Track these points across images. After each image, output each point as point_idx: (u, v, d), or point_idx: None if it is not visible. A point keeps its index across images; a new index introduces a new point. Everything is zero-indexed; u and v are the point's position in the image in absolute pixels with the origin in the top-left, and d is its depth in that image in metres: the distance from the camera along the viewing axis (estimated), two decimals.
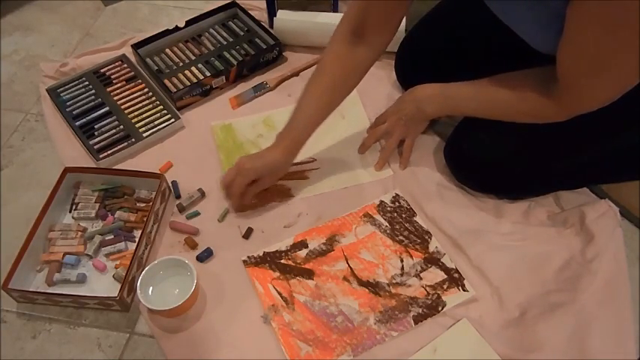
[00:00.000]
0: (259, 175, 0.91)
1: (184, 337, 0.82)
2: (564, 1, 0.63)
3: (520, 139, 0.88)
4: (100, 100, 1.15)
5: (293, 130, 0.90)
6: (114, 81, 1.19)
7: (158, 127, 1.09)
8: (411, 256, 0.90)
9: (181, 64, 1.22)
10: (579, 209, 0.93)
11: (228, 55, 1.23)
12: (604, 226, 0.90)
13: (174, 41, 1.27)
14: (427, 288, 0.86)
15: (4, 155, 1.10)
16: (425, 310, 0.83)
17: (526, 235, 0.91)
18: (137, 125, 1.10)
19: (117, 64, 1.23)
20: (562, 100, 0.75)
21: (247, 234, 0.94)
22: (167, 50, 1.25)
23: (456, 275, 0.87)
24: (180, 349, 0.81)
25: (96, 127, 1.10)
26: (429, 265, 0.88)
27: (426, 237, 0.92)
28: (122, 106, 1.14)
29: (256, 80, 1.21)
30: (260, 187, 0.94)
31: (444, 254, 0.90)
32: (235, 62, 1.20)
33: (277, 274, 0.88)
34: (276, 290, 0.86)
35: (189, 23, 1.28)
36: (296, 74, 1.22)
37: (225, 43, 1.26)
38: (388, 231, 0.93)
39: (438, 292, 0.85)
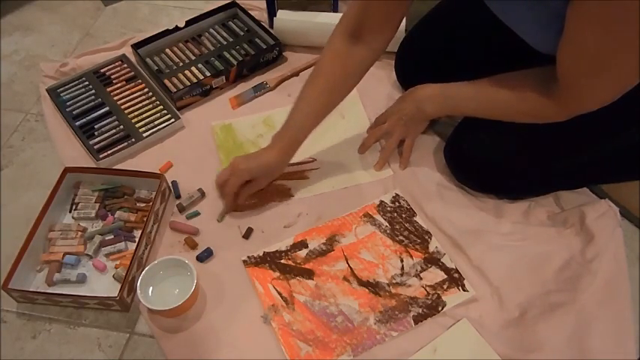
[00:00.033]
0: (253, 176, 0.91)
1: (184, 337, 0.82)
2: (564, 1, 0.63)
3: (520, 139, 0.88)
4: (100, 100, 1.15)
5: (289, 132, 0.90)
6: (114, 81, 1.19)
7: (158, 127, 1.09)
8: (411, 256, 0.90)
9: (181, 64, 1.22)
10: (579, 209, 0.93)
11: (228, 55, 1.23)
12: (604, 226, 0.90)
13: (174, 41, 1.27)
14: (427, 288, 0.86)
15: (4, 155, 1.10)
16: (425, 310, 0.83)
17: (526, 235, 0.91)
18: (137, 125, 1.10)
19: (117, 64, 1.23)
20: (562, 100, 0.75)
21: (247, 234, 0.94)
22: (167, 50, 1.25)
23: (456, 275, 0.87)
24: (180, 349, 0.81)
25: (96, 127, 1.10)
26: (429, 265, 0.88)
27: (426, 237, 0.92)
28: (122, 106, 1.14)
29: (256, 80, 1.21)
30: (255, 187, 0.94)
31: (444, 254, 0.90)
32: (235, 62, 1.20)
33: (277, 274, 0.88)
34: (276, 290, 0.86)
35: (189, 23, 1.28)
36: (296, 74, 1.22)
37: (225, 43, 1.26)
38: (388, 231, 0.93)
39: (438, 292, 0.85)
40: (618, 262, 0.86)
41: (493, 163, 0.90)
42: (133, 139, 1.07)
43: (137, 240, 0.90)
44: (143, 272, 0.84)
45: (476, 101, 0.87)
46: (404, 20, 1.11)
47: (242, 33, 1.28)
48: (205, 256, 0.90)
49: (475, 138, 0.92)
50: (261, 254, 0.91)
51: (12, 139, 1.13)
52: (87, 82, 1.18)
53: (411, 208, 0.96)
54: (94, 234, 0.93)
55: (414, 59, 1.10)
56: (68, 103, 1.14)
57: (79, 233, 0.94)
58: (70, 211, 0.98)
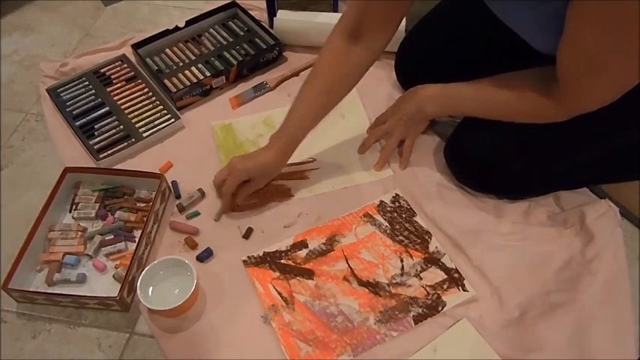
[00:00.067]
0: (251, 176, 0.91)
1: (184, 337, 0.82)
2: (564, 1, 0.63)
3: (520, 139, 0.88)
4: (100, 100, 1.15)
5: (287, 132, 0.90)
6: (114, 81, 1.19)
7: (158, 127, 1.09)
8: (411, 256, 0.90)
9: (181, 64, 1.22)
10: (579, 209, 0.93)
11: (228, 55, 1.23)
12: (604, 226, 0.90)
13: (174, 41, 1.27)
14: (427, 288, 0.86)
15: (4, 155, 1.10)
16: (425, 310, 0.83)
17: (526, 235, 0.91)
18: (137, 125, 1.10)
19: (117, 64, 1.23)
20: (562, 100, 0.75)
21: (247, 234, 0.94)
22: (167, 50, 1.25)
23: (456, 275, 0.87)
24: (180, 349, 0.81)
25: (96, 127, 1.10)
26: (429, 265, 0.88)
27: (426, 237, 0.92)
28: (122, 106, 1.14)
29: (256, 80, 1.21)
30: (253, 187, 0.94)
31: (444, 254, 0.90)
32: (235, 62, 1.20)
33: (277, 274, 0.88)
34: (276, 290, 0.86)
35: (189, 23, 1.28)
36: (296, 74, 1.22)
37: (225, 43, 1.26)
38: (388, 231, 0.93)
39: (438, 292, 0.85)
40: (618, 262, 0.86)
41: (493, 163, 0.90)
42: (133, 139, 1.07)
43: (137, 240, 0.90)
44: (143, 272, 0.84)
45: (476, 101, 0.87)
46: (404, 20, 1.11)
47: (242, 33, 1.28)
48: (205, 256, 0.90)
49: (475, 138, 0.92)
50: (261, 254, 0.91)
51: (12, 139, 1.13)
52: (87, 82, 1.18)
53: (411, 208, 0.96)
54: (94, 234, 0.93)
55: (414, 59, 1.10)
56: (68, 103, 1.14)
57: (79, 233, 0.94)
58: (70, 211, 0.98)
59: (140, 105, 1.14)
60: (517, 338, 0.80)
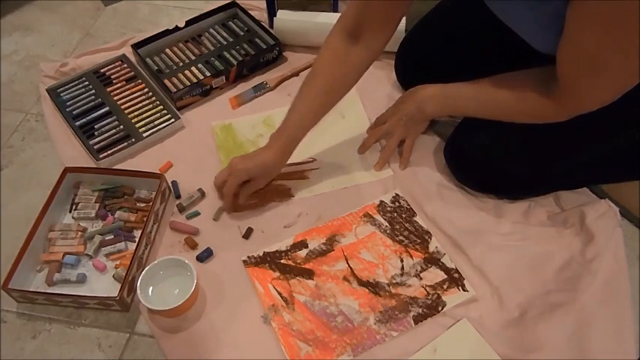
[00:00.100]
0: (251, 176, 0.91)
1: (184, 337, 0.82)
2: (564, 1, 0.63)
3: (520, 139, 0.88)
4: (100, 100, 1.15)
5: (286, 131, 0.90)
6: (114, 81, 1.19)
7: (158, 127, 1.09)
8: (411, 256, 0.90)
9: (181, 64, 1.22)
10: (579, 209, 0.93)
11: (228, 55, 1.23)
12: (604, 226, 0.90)
13: (174, 41, 1.27)
14: (427, 288, 0.86)
15: (4, 155, 1.10)
16: (425, 310, 0.83)
17: (526, 235, 0.91)
18: (137, 125, 1.10)
19: (117, 64, 1.23)
20: (562, 101, 0.75)
21: (247, 234, 0.94)
22: (167, 50, 1.25)
23: (456, 275, 0.87)
24: (180, 349, 0.81)
25: (96, 127, 1.10)
26: (429, 265, 0.88)
27: (426, 237, 0.92)
28: (122, 106, 1.14)
29: (256, 80, 1.21)
30: (254, 187, 0.94)
31: (444, 254, 0.90)
32: (235, 62, 1.20)
33: (277, 274, 0.88)
34: (276, 290, 0.86)
35: (189, 23, 1.28)
36: (296, 74, 1.22)
37: (225, 43, 1.26)
38: (388, 231, 0.93)
39: (438, 292, 0.85)
40: (618, 262, 0.86)
41: (493, 163, 0.90)
42: (133, 139, 1.07)
43: (137, 240, 0.90)
44: (143, 272, 0.84)
45: (476, 101, 0.87)
46: (404, 20, 1.11)
47: (242, 33, 1.28)
48: (205, 256, 0.90)
49: (475, 138, 0.92)
50: (261, 254, 0.91)
51: (12, 139, 1.13)
52: (87, 82, 1.18)
53: (411, 208, 0.96)
54: (94, 234, 0.93)
55: (414, 59, 1.10)
56: (68, 103, 1.14)
57: (79, 233, 0.94)
58: (70, 211, 0.98)
59: (140, 105, 1.14)
60: (517, 338, 0.80)
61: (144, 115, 1.12)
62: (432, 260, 0.89)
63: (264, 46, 1.23)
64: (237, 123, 1.12)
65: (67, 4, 1.46)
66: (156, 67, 1.21)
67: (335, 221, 0.95)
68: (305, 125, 0.91)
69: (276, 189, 0.99)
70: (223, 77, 1.17)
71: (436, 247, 0.91)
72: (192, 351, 0.81)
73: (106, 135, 1.08)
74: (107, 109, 1.13)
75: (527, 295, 0.84)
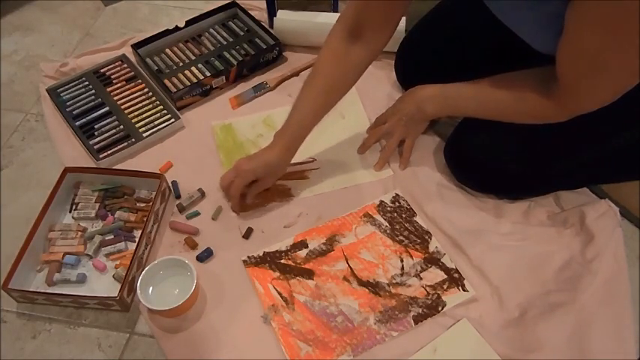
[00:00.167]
0: (258, 176, 0.91)
1: (184, 337, 0.82)
2: (564, 1, 0.63)
3: (520, 140, 0.88)
4: (100, 100, 1.15)
5: (289, 130, 0.90)
6: (114, 81, 1.19)
7: (158, 127, 1.09)
8: (411, 256, 0.90)
9: (181, 64, 1.22)
10: (579, 209, 0.93)
11: (228, 55, 1.23)
12: (604, 226, 0.90)
13: (174, 41, 1.27)
14: (427, 288, 0.86)
15: (4, 155, 1.10)
16: (425, 310, 0.83)
17: (526, 235, 0.91)
18: (137, 125, 1.10)
19: (117, 64, 1.23)
20: (562, 101, 0.75)
21: (247, 234, 0.94)
22: (167, 50, 1.25)
23: (456, 275, 0.87)
24: (180, 349, 0.81)
25: (96, 127, 1.10)
26: (429, 265, 0.88)
27: (426, 237, 0.92)
28: (122, 106, 1.14)
29: (256, 80, 1.21)
30: (260, 187, 0.94)
31: (444, 254, 0.90)
32: (235, 62, 1.20)
33: (277, 274, 0.88)
34: (276, 290, 0.86)
35: (189, 23, 1.28)
36: (296, 74, 1.22)
37: (225, 43, 1.26)
38: (388, 231, 0.93)
39: (438, 292, 0.85)
40: (618, 262, 0.86)
41: (493, 163, 0.90)
42: (133, 139, 1.07)
43: (137, 240, 0.90)
44: (143, 272, 0.84)
45: (476, 101, 0.87)
46: (404, 20, 1.11)
47: (242, 33, 1.28)
48: (205, 256, 0.90)
49: (475, 138, 0.92)
50: (261, 254, 0.91)
51: (12, 139, 1.13)
52: (87, 82, 1.18)
53: (411, 208, 0.96)
54: (94, 234, 0.93)
55: (414, 59, 1.10)
56: (68, 103, 1.14)
57: (79, 233, 0.94)
58: (70, 211, 0.98)
59: (140, 105, 1.14)
60: (517, 338, 0.80)
61: (144, 115, 1.12)
62: (432, 260, 0.89)
63: (264, 46, 1.23)
64: (237, 123, 1.12)
65: (67, 4, 1.46)
66: (156, 67, 1.21)
67: (335, 221, 0.95)
68: (307, 124, 0.91)
69: (277, 189, 0.99)
70: (223, 77, 1.17)
71: (436, 247, 0.91)
72: (192, 351, 0.81)
73: (106, 135, 1.08)
74: (107, 109, 1.13)
75: (527, 295, 0.84)
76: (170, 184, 1.00)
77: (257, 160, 0.91)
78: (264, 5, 1.29)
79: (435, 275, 0.87)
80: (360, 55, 0.90)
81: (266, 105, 1.16)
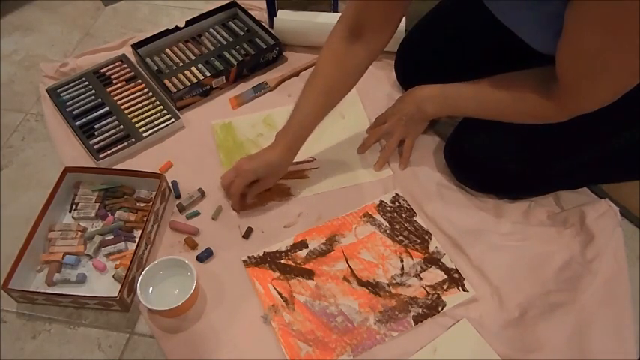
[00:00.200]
0: (259, 176, 0.91)
1: (184, 337, 0.82)
2: (564, 1, 0.63)
3: (520, 140, 0.88)
4: (100, 100, 1.15)
5: (291, 130, 0.90)
6: (114, 81, 1.19)
7: (158, 127, 1.09)
8: (411, 256, 0.90)
9: (181, 64, 1.22)
10: (579, 209, 0.93)
11: (228, 55, 1.23)
12: (604, 226, 0.90)
13: (174, 41, 1.27)
14: (427, 288, 0.86)
15: (4, 155, 1.10)
16: (425, 310, 0.83)
17: (526, 235, 0.91)
18: (137, 125, 1.10)
19: (117, 64, 1.23)
20: (562, 101, 0.75)
21: (247, 234, 0.94)
22: (167, 50, 1.25)
23: (456, 275, 0.87)
24: (180, 349, 0.81)
25: (96, 127, 1.10)
26: (429, 265, 0.88)
27: (426, 237, 0.92)
28: (122, 106, 1.14)
29: (256, 80, 1.21)
30: (261, 187, 0.94)
31: (444, 254, 0.90)
32: (235, 62, 1.20)
33: (277, 274, 0.88)
34: (276, 290, 0.86)
35: (189, 23, 1.28)
36: (296, 74, 1.22)
37: (225, 43, 1.26)
38: (388, 231, 0.93)
39: (438, 292, 0.85)
40: (618, 262, 0.86)
41: (493, 163, 0.90)
42: (133, 139, 1.07)
43: (137, 240, 0.90)
44: (143, 272, 0.84)
45: (476, 101, 0.87)
46: (404, 20, 1.11)
47: (242, 33, 1.28)
48: (205, 256, 0.90)
49: (475, 138, 0.92)
50: (261, 254, 0.91)
51: (12, 139, 1.13)
52: (87, 82, 1.18)
53: (411, 208, 0.96)
54: (94, 234, 0.93)
55: (414, 59, 1.10)
56: (68, 103, 1.14)
57: (79, 233, 0.94)
58: (70, 211, 0.98)
59: (140, 105, 1.14)
60: (517, 338, 0.80)
61: (144, 115, 1.12)
62: (432, 260, 0.89)
63: (264, 46, 1.23)
64: (237, 122, 1.12)
65: (67, 4, 1.46)
66: (156, 67, 1.21)
67: (335, 221, 0.95)
68: (308, 124, 0.91)
69: (276, 188, 0.99)
70: (223, 77, 1.17)
71: (436, 247, 0.91)
72: (192, 351, 0.81)
73: (106, 135, 1.08)
74: (107, 109, 1.13)
75: (527, 295, 0.84)
76: (170, 184, 1.00)
77: (258, 161, 0.91)
78: (264, 5, 1.29)
79: (435, 275, 0.87)
80: (361, 55, 0.90)
81: (266, 105, 1.16)
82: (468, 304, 0.84)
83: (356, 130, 1.08)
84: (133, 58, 1.25)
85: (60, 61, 1.26)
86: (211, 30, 1.30)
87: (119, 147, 1.06)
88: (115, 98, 1.15)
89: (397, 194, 0.98)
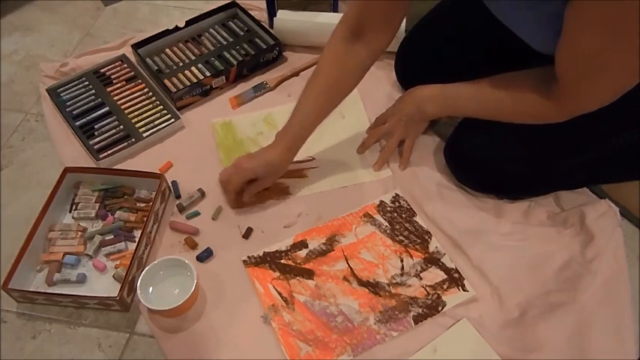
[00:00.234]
0: (257, 175, 0.91)
1: (184, 337, 0.82)
2: (564, 1, 0.63)
3: (520, 139, 0.88)
4: (100, 100, 1.15)
5: (291, 130, 0.91)
6: (114, 81, 1.19)
7: (158, 127, 1.09)
8: (411, 256, 0.90)
9: (181, 64, 1.22)
10: (579, 209, 0.93)
11: (228, 55, 1.23)
12: (604, 226, 0.90)
13: (174, 41, 1.27)
14: (427, 288, 0.86)
15: (4, 155, 1.10)
16: (425, 310, 0.83)
17: (526, 235, 0.91)
18: (137, 125, 1.10)
19: (117, 64, 1.23)
20: (562, 101, 0.75)
21: (247, 234, 0.94)
22: (167, 50, 1.25)
23: (456, 275, 0.87)
24: (180, 349, 0.81)
25: (96, 127, 1.10)
26: (429, 265, 0.88)
27: (426, 237, 0.92)
28: (122, 106, 1.14)
29: (256, 80, 1.21)
30: (260, 186, 0.94)
31: (444, 254, 0.90)
32: (235, 62, 1.20)
33: (277, 274, 0.88)
34: (276, 290, 0.86)
35: (189, 23, 1.28)
36: (296, 74, 1.22)
37: (225, 43, 1.26)
38: (388, 231, 0.93)
39: (438, 292, 0.85)
40: (618, 262, 0.86)
41: (493, 163, 0.90)
42: (133, 139, 1.07)
43: (137, 240, 0.90)
44: (143, 272, 0.84)
45: (476, 101, 0.87)
46: (404, 20, 1.11)
47: (242, 33, 1.28)
48: (205, 256, 0.90)
49: (475, 138, 0.92)
50: (261, 254, 0.91)
51: (12, 139, 1.13)
52: (87, 82, 1.18)
53: (411, 208, 0.96)
54: (94, 234, 0.93)
55: (414, 59, 1.10)
56: (68, 103, 1.14)
57: (79, 233, 0.94)
58: (70, 211, 0.98)
59: (140, 105, 1.14)
60: (517, 338, 0.80)
61: (144, 115, 1.12)
62: (432, 260, 0.89)
63: (264, 46, 1.23)
64: (237, 120, 1.12)
65: (67, 4, 1.46)
66: (156, 67, 1.21)
67: (335, 221, 0.95)
68: (308, 124, 0.91)
69: (275, 187, 0.99)
70: (223, 77, 1.17)
71: (436, 247, 0.91)
72: (192, 351, 0.81)
73: (106, 135, 1.08)
74: (107, 109, 1.13)
75: (527, 295, 0.84)
76: (170, 184, 1.00)
77: (258, 159, 0.91)
78: (264, 5, 1.29)
79: (435, 275, 0.87)
80: (362, 56, 0.90)
81: (266, 105, 1.16)
82: (468, 304, 0.84)
83: (356, 130, 1.08)
84: (133, 58, 1.25)
85: (60, 61, 1.26)
86: (211, 30, 1.30)
87: (119, 147, 1.06)
88: (115, 98, 1.15)
89: (397, 194, 0.98)
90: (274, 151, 0.91)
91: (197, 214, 0.97)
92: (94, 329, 0.85)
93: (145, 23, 1.39)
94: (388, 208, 0.96)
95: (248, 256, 0.91)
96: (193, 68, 1.21)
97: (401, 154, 1.02)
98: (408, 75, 1.11)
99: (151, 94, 1.16)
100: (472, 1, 0.91)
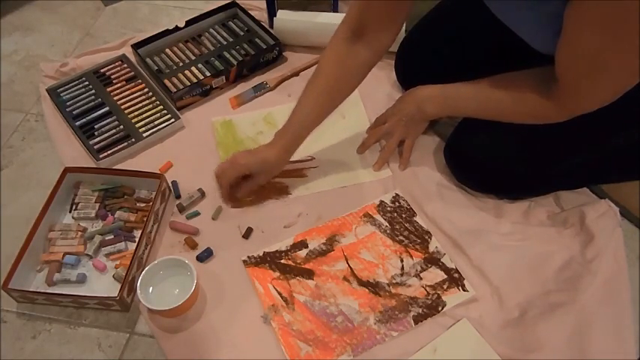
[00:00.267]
0: (252, 171, 0.92)
1: (184, 337, 0.82)
2: (564, 1, 0.63)
3: (520, 140, 0.88)
4: (100, 100, 1.15)
5: (290, 130, 0.91)
6: (114, 81, 1.19)
7: (158, 127, 1.09)
8: (411, 256, 0.90)
9: (181, 64, 1.22)
10: (579, 209, 0.93)
11: (228, 55, 1.23)
12: (604, 226, 0.90)
13: (174, 41, 1.27)
14: (427, 288, 0.86)
15: (4, 155, 1.10)
16: (425, 310, 0.83)
17: (526, 235, 0.91)
18: (137, 125, 1.10)
19: (117, 64, 1.23)
20: (562, 101, 0.75)
21: (247, 234, 0.94)
22: (167, 50, 1.25)
23: (456, 275, 0.87)
24: (180, 349, 0.81)
25: (96, 127, 1.10)
26: (429, 265, 0.88)
27: (426, 237, 0.92)
28: (122, 106, 1.14)
29: (256, 80, 1.21)
30: (255, 183, 0.94)
31: (444, 254, 0.90)
32: (235, 62, 1.20)
33: (277, 274, 0.88)
34: (276, 290, 0.86)
35: (189, 23, 1.28)
36: (296, 74, 1.22)
37: (225, 43, 1.26)
38: (388, 231, 0.93)
39: (438, 292, 0.85)
40: (618, 262, 0.86)
41: (493, 163, 0.90)
42: (133, 139, 1.07)
43: (137, 240, 0.90)
44: (143, 272, 0.84)
45: (476, 101, 0.87)
46: None
47: (242, 33, 1.28)
48: (205, 256, 0.90)
49: (475, 138, 0.92)
50: (261, 254, 0.91)
51: (12, 139, 1.13)
52: (87, 82, 1.18)
53: (411, 208, 0.96)
54: (94, 234, 0.93)
55: (414, 59, 1.10)
56: (68, 103, 1.14)
57: (79, 233, 0.94)
58: (70, 211, 0.98)
59: (140, 105, 1.14)
60: (517, 338, 0.80)
61: (144, 115, 1.12)
62: (432, 260, 0.89)
63: (264, 46, 1.23)
64: (237, 119, 1.12)
65: (67, 4, 1.46)
66: (156, 67, 1.21)
67: (335, 221, 0.95)
68: (308, 124, 0.91)
69: (274, 186, 0.99)
70: (223, 77, 1.17)
71: (436, 247, 0.91)
72: (192, 351, 0.81)
73: (106, 135, 1.08)
74: (107, 109, 1.13)
75: (527, 295, 0.84)
76: (170, 184, 1.00)
77: (254, 156, 0.91)
78: (264, 5, 1.29)
79: (435, 275, 0.87)
80: (363, 56, 0.90)
81: (266, 105, 1.16)
82: (468, 304, 0.84)
83: (356, 129, 1.08)
84: (133, 58, 1.25)
85: (60, 61, 1.26)
86: (211, 30, 1.30)
87: (119, 147, 1.06)
88: (115, 98, 1.15)
89: (397, 194, 0.98)
90: (271, 150, 0.91)
91: (197, 214, 0.97)
92: (94, 329, 0.85)
93: (145, 23, 1.39)
94: (388, 208, 0.96)
95: (248, 256, 0.91)
96: (193, 68, 1.21)
97: (401, 154, 1.02)
98: (408, 75, 1.11)
99: (150, 94, 1.16)
100: (472, 1, 0.92)
